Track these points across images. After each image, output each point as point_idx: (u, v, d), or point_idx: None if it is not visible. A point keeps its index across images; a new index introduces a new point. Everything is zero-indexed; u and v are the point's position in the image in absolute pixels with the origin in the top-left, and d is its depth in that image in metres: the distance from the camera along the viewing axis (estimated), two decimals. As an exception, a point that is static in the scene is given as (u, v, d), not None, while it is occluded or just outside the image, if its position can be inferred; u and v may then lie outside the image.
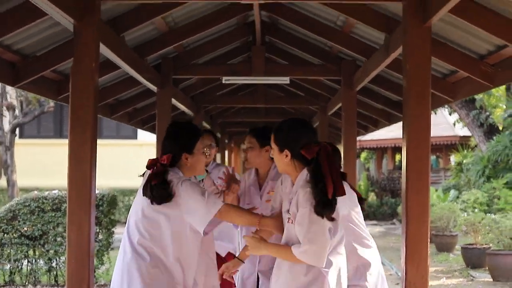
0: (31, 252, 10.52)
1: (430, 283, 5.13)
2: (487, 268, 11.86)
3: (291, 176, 3.99)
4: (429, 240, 5.04)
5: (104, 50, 5.79)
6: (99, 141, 5.45)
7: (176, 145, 4.21)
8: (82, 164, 5.06)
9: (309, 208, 3.70)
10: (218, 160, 23.94)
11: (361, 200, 4.93)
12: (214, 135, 6.29)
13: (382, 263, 5.57)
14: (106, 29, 5.95)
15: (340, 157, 4.77)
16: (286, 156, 3.87)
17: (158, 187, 4.00)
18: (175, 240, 4.08)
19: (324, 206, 3.68)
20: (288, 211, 3.92)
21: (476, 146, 21.43)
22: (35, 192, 11.02)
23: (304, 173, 3.85)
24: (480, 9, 5.24)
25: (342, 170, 4.68)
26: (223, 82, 9.80)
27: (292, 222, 3.83)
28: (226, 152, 26.02)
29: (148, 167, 4.17)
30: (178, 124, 4.39)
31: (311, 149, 3.79)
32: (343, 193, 3.77)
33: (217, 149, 6.30)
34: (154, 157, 4.55)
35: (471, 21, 5.32)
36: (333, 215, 3.74)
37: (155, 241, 4.08)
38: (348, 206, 4.68)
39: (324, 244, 3.72)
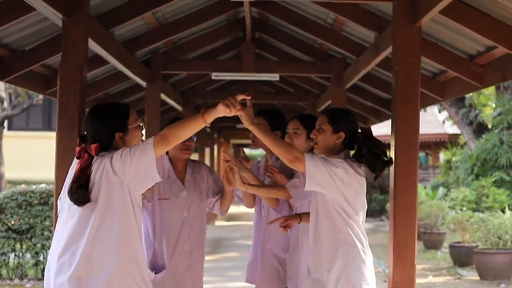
0: (18, 245, 10.44)
1: (417, 281, 5.13)
2: (474, 266, 11.87)
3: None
4: (416, 240, 5.04)
5: (93, 45, 5.75)
6: (87, 134, 5.40)
7: (106, 126, 3.74)
8: (70, 160, 5.00)
9: (334, 160, 3.89)
10: (208, 155, 23.82)
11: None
12: None
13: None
14: (95, 24, 5.90)
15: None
16: (339, 138, 4.04)
17: (78, 189, 3.62)
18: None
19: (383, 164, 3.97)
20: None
21: (465, 144, 21.44)
22: (23, 185, 10.96)
23: (341, 155, 4.03)
24: (470, 10, 5.24)
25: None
26: (213, 78, 9.78)
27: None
28: (216, 147, 26.00)
29: (78, 157, 3.77)
30: (102, 106, 3.89)
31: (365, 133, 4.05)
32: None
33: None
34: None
35: (461, 22, 5.32)
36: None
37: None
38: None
39: (325, 169, 3.79)
